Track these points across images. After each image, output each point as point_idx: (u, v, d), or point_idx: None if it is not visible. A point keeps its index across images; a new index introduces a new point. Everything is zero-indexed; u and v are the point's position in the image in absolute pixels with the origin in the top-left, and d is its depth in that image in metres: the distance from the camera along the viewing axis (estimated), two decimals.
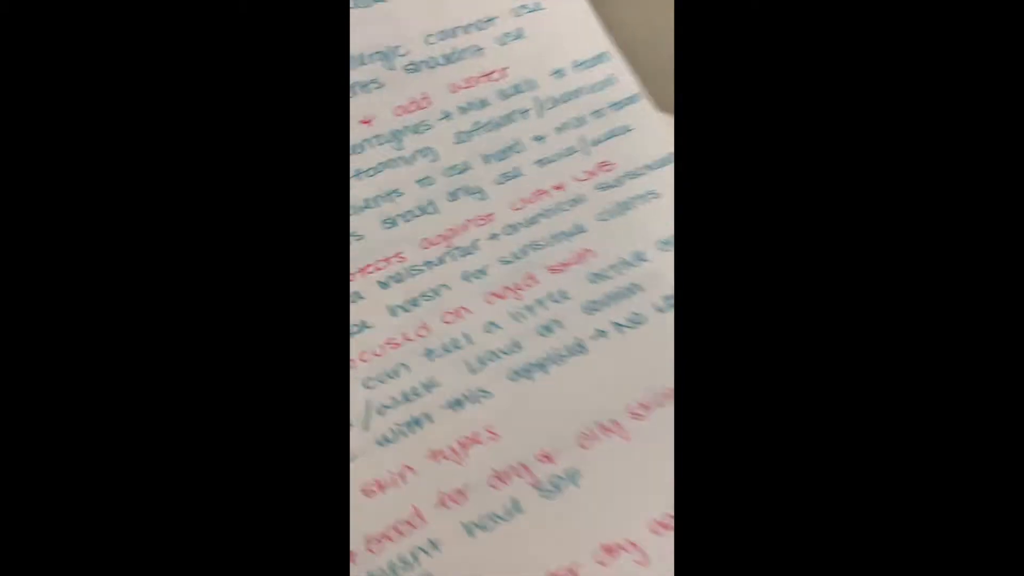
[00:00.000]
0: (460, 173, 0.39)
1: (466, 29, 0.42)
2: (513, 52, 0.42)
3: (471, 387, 0.34)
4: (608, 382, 0.35)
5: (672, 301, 0.37)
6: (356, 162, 0.38)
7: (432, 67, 0.41)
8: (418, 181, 0.38)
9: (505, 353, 0.35)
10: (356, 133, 0.39)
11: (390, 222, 0.37)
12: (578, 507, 0.33)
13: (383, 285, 0.36)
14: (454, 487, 0.32)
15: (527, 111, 0.40)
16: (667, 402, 0.35)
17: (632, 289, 0.37)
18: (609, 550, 0.32)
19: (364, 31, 0.40)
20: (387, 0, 0.41)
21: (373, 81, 0.40)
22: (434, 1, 0.42)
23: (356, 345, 0.34)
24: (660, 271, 0.37)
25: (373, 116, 0.39)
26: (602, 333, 0.36)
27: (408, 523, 0.31)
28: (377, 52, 0.40)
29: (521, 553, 0.32)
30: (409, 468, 0.32)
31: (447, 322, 0.35)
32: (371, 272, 0.36)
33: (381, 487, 0.32)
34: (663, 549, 0.32)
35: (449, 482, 0.32)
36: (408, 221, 0.37)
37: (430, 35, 0.42)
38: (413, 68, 0.41)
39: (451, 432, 0.33)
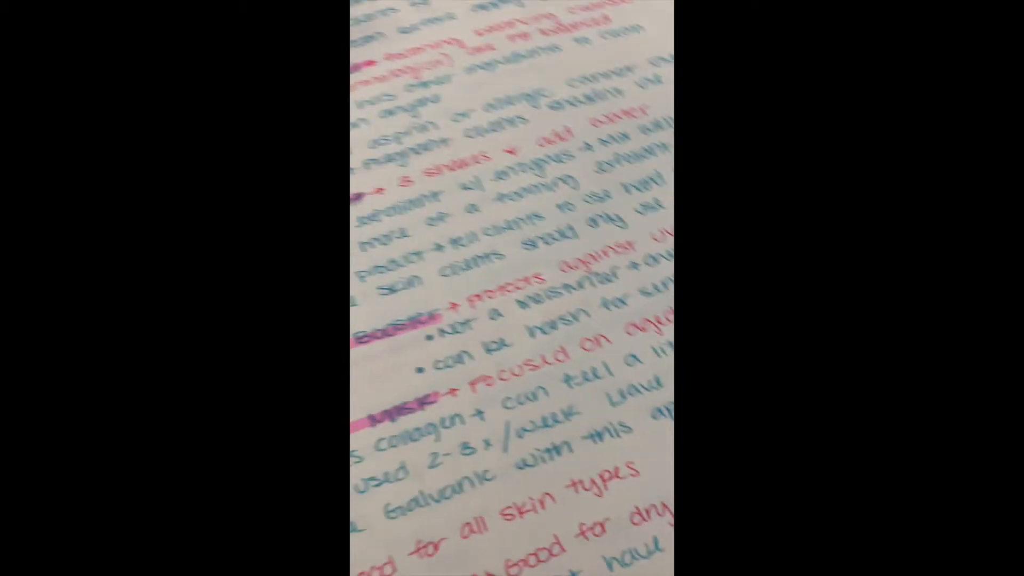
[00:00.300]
0: (600, 200, 0.38)
1: (606, 75, 0.44)
2: (651, 94, 0.42)
3: (611, 420, 0.32)
4: None
5: None
6: (498, 187, 0.39)
7: (574, 104, 0.42)
8: (558, 206, 0.37)
9: (646, 388, 0.33)
10: (500, 161, 0.40)
11: (530, 243, 0.36)
12: None
13: (522, 304, 0.34)
14: (594, 519, 0.30)
15: (667, 146, 0.39)
16: None
17: None
18: None
19: (510, 77, 0.43)
20: (531, 56, 0.45)
21: (519, 117, 0.42)
22: (576, 53, 0.45)
23: (494, 363, 0.33)
24: None
25: (517, 147, 0.40)
26: None
27: (548, 551, 0.29)
28: (523, 94, 0.43)
29: None
30: (549, 496, 0.30)
31: (586, 349, 0.34)
32: (510, 291, 0.35)
33: (521, 512, 0.30)
34: None
35: (589, 514, 0.30)
36: (548, 244, 0.36)
37: (572, 78, 0.43)
38: (556, 106, 0.42)
39: (591, 463, 0.31)
